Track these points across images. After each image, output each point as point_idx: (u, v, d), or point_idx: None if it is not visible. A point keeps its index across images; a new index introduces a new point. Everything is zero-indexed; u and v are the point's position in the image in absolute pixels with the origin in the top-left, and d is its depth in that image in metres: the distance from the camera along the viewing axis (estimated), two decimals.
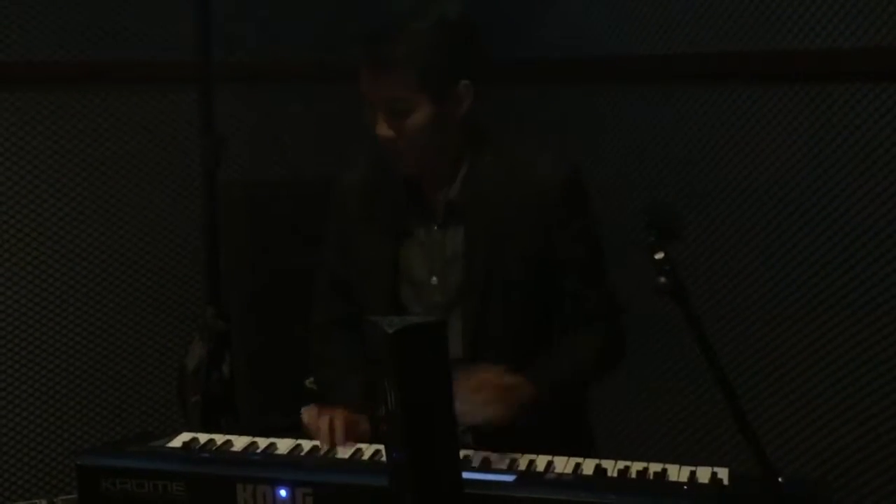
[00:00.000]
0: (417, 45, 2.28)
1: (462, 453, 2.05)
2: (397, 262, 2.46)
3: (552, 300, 2.44)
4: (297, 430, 2.30)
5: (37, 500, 3.65)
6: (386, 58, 2.29)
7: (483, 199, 2.40)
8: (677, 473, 2.02)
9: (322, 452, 2.20)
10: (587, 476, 2.02)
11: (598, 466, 2.05)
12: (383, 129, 2.34)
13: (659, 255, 1.80)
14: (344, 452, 2.20)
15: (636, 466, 2.04)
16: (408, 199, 2.46)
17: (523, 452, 2.12)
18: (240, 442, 2.23)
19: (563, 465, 2.07)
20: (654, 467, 2.04)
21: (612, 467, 2.05)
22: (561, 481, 1.99)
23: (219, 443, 2.22)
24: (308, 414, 2.33)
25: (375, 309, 2.43)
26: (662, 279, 1.79)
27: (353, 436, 2.27)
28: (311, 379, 2.65)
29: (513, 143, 2.48)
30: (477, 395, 2.16)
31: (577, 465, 2.06)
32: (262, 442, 2.22)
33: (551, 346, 2.44)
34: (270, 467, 2.07)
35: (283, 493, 1.98)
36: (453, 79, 2.34)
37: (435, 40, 2.30)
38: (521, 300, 2.40)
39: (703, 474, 2.01)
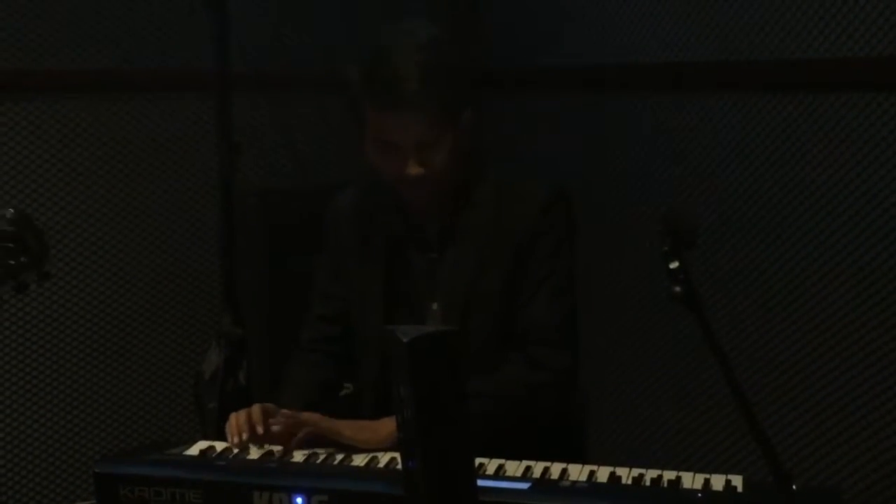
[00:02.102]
0: (432, 80, 2.29)
1: (477, 461, 2.06)
2: (394, 291, 2.47)
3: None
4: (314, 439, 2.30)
5: None
6: (408, 99, 2.28)
7: (473, 223, 2.43)
8: (691, 481, 2.02)
9: (232, 448, 2.23)
10: (602, 484, 2.03)
11: (612, 474, 2.05)
12: (414, 168, 2.34)
13: (674, 264, 1.81)
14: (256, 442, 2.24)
15: (650, 474, 2.05)
16: (404, 227, 2.48)
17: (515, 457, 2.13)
18: (256, 450, 2.24)
19: (578, 472, 2.07)
20: (669, 475, 2.04)
21: (626, 475, 2.05)
22: (575, 489, 1.99)
23: (235, 450, 2.23)
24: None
25: (371, 337, 2.45)
26: (677, 288, 1.80)
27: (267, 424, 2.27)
28: (348, 386, 2.67)
29: (509, 170, 2.50)
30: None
31: (592, 473, 2.06)
32: (279, 450, 2.23)
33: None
34: (286, 475, 2.09)
35: (299, 500, 1.99)
36: (463, 105, 2.37)
37: (443, 71, 2.31)
38: (498, 321, 2.42)
39: (718, 482, 2.01)
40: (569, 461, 2.11)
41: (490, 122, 3.84)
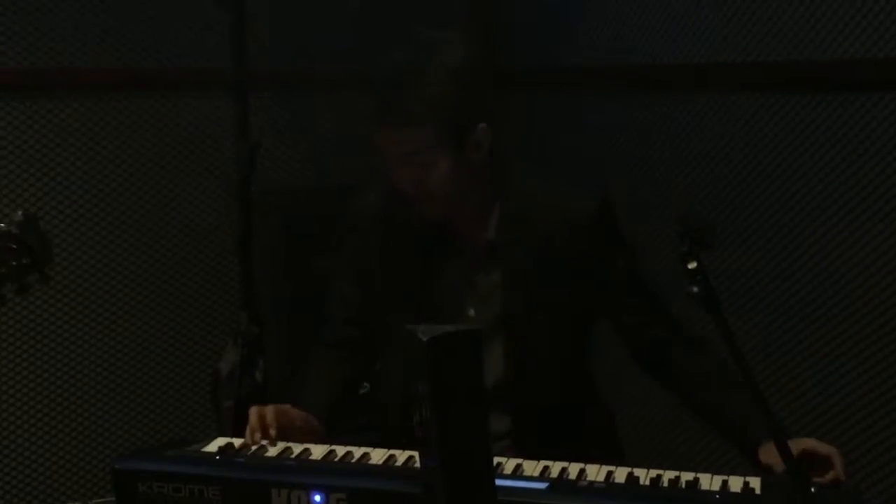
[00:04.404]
0: (431, 99, 2.27)
1: (494, 460, 2.07)
2: (427, 299, 2.44)
3: (592, 322, 2.49)
4: (332, 436, 2.31)
5: None
6: (402, 115, 2.28)
7: (520, 237, 2.39)
8: (709, 482, 2.02)
9: (250, 445, 2.24)
10: (619, 484, 2.03)
11: (630, 474, 2.05)
12: (404, 183, 2.34)
13: (692, 265, 1.81)
14: (272, 448, 2.23)
15: (668, 475, 2.05)
16: (437, 238, 2.44)
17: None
18: (274, 447, 2.25)
19: (596, 472, 2.07)
20: (686, 476, 2.04)
21: (644, 475, 2.05)
22: (593, 489, 2.00)
23: (254, 448, 2.24)
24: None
25: (399, 339, 2.45)
26: (695, 288, 1.80)
27: (285, 426, 2.28)
28: (366, 385, 2.67)
29: (537, 180, 2.47)
30: None
31: (610, 473, 2.07)
32: (297, 447, 2.24)
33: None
34: (305, 472, 2.09)
35: (317, 498, 2.00)
36: (470, 126, 2.33)
37: (448, 92, 2.29)
38: (563, 326, 2.42)
39: (735, 483, 2.01)
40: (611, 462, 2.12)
41: (516, 123, 3.85)
